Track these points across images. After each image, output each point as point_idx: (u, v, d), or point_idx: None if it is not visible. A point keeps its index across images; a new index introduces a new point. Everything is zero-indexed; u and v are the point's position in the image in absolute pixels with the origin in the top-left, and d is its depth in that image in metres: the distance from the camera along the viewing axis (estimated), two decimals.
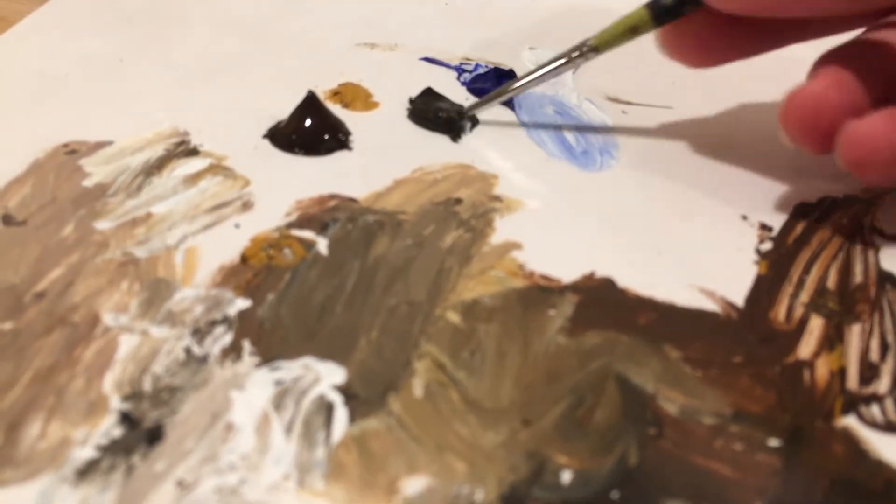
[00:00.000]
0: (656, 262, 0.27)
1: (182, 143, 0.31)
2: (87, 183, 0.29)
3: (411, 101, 0.33)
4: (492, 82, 0.34)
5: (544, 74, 0.31)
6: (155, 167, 0.30)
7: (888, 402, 0.23)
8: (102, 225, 0.27)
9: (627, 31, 0.29)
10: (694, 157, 0.31)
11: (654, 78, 0.35)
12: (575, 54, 0.30)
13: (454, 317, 0.25)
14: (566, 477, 0.21)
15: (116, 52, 0.36)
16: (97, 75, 0.35)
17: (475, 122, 0.32)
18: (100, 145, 0.31)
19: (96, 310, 0.24)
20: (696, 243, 0.27)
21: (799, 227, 0.28)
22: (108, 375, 0.23)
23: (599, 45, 0.30)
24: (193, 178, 0.29)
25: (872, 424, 0.22)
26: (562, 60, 0.30)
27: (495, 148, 0.31)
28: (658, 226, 0.28)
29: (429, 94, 0.34)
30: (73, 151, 0.30)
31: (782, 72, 0.29)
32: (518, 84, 0.31)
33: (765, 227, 0.28)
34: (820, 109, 0.26)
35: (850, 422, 0.22)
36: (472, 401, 0.22)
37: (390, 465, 0.21)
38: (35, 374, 0.23)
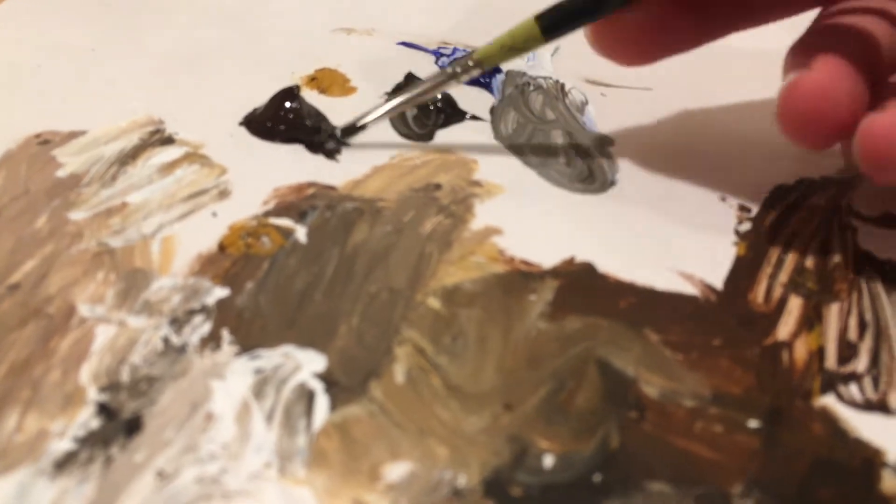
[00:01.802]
0: (635, 246, 0.27)
1: (157, 131, 0.31)
2: (61, 173, 0.29)
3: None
4: None
5: (422, 93, 0.29)
6: (130, 156, 0.29)
7: (866, 381, 0.23)
8: (77, 215, 0.27)
9: (512, 49, 0.27)
10: (673, 140, 0.31)
11: None
12: (458, 69, 0.28)
13: (435, 302, 0.25)
14: (548, 461, 0.21)
15: (90, 41, 0.36)
16: (70, 65, 0.34)
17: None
18: (73, 135, 0.30)
19: (72, 301, 0.24)
20: (675, 226, 0.27)
21: (778, 208, 0.28)
22: (84, 367, 0.22)
23: (483, 60, 0.28)
24: (169, 167, 0.29)
25: (851, 403, 0.22)
26: (442, 78, 0.29)
27: (474, 131, 0.31)
28: (637, 209, 0.28)
29: (410, 77, 0.33)
30: (45, 142, 0.30)
31: (761, 53, 0.29)
32: (396, 103, 0.29)
33: (744, 209, 0.28)
34: (828, 100, 0.23)
35: (828, 401, 0.22)
36: (454, 386, 0.22)
37: (372, 452, 0.21)
38: (10, 367, 0.22)
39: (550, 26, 0.27)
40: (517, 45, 0.27)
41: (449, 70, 0.29)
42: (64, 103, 0.32)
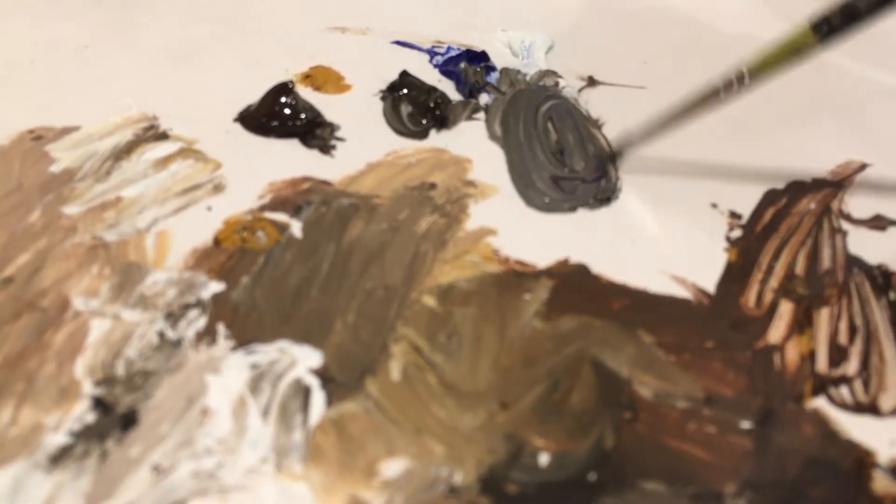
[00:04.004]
0: (629, 249, 0.27)
1: (151, 127, 0.30)
2: (55, 168, 0.28)
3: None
4: (464, 64, 0.34)
5: (693, 106, 0.29)
6: (124, 151, 0.29)
7: (857, 384, 0.23)
8: (71, 210, 0.27)
9: (789, 57, 0.27)
10: (666, 143, 0.31)
11: (628, 57, 0.35)
12: (733, 82, 0.28)
13: (430, 301, 0.25)
14: (544, 459, 0.21)
15: (84, 38, 0.35)
16: (64, 61, 0.34)
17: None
18: (66, 131, 0.30)
19: (66, 294, 0.24)
20: (667, 231, 0.28)
21: (768, 214, 0.28)
22: (79, 360, 0.22)
23: (758, 71, 0.27)
24: (164, 162, 0.29)
25: (842, 405, 0.23)
26: (713, 92, 0.28)
27: (469, 131, 0.31)
28: (629, 213, 0.28)
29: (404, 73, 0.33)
30: (39, 137, 0.30)
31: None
32: (665, 119, 0.30)
33: (734, 215, 0.28)
34: None
35: (820, 403, 0.23)
36: (450, 384, 0.22)
37: (369, 448, 0.21)
38: (4, 360, 0.22)
39: (828, 31, 0.27)
40: (795, 52, 0.27)
41: (721, 84, 0.28)
42: (58, 99, 0.32)
